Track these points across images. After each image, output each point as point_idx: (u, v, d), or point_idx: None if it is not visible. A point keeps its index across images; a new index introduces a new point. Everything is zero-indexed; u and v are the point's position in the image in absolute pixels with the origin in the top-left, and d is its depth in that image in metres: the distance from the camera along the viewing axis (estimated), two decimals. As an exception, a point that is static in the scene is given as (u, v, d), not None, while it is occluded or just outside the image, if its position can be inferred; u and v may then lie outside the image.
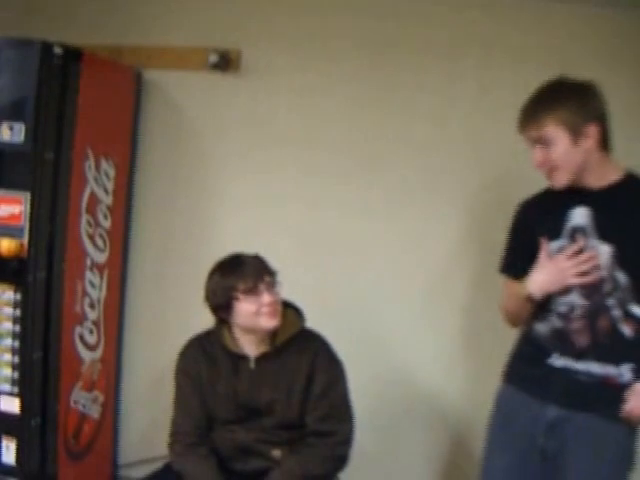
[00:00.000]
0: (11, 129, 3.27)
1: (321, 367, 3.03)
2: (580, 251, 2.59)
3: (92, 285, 3.77)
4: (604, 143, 2.60)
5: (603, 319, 2.58)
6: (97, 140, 3.68)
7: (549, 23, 3.55)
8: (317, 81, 3.87)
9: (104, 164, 3.76)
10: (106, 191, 3.80)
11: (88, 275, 3.73)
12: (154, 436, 3.74)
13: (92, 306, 3.78)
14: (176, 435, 3.08)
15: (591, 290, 2.59)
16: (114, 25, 4.08)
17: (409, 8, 3.74)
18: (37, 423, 3.48)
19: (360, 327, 3.87)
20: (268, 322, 2.94)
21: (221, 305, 2.97)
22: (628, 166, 2.63)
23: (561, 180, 2.60)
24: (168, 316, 4.11)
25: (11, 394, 3.41)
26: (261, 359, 3.02)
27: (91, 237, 3.71)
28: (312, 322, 3.13)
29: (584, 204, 2.60)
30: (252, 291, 2.92)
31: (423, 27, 3.71)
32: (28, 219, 3.32)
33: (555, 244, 2.66)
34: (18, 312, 3.37)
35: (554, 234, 2.66)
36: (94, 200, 3.70)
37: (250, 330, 2.99)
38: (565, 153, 2.55)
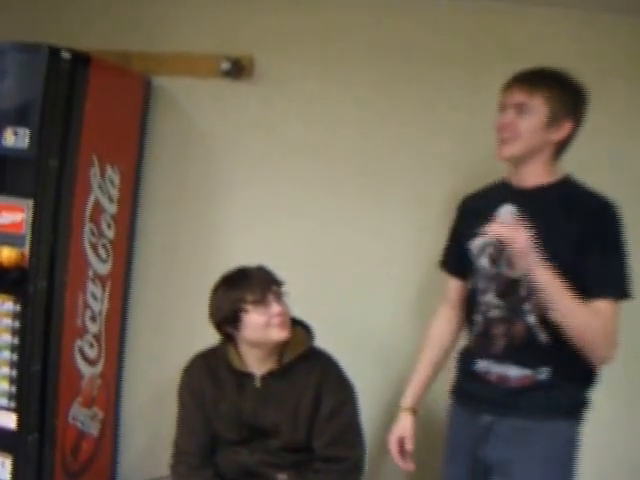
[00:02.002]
0: (15, 134, 3.21)
1: (329, 389, 2.98)
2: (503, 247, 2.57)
3: (94, 297, 3.69)
4: (562, 147, 2.67)
5: (519, 324, 2.61)
6: (103, 147, 3.62)
7: (578, 34, 3.48)
8: (331, 90, 3.81)
9: (109, 171, 3.69)
10: (111, 200, 3.72)
11: (90, 287, 3.65)
12: (155, 455, 3.70)
13: (93, 319, 3.70)
14: (179, 455, 3.04)
15: (506, 290, 2.62)
16: (123, 31, 4.02)
17: (431, 17, 3.68)
18: (34, 439, 3.40)
19: (372, 341, 3.81)
20: (279, 333, 2.91)
21: (228, 319, 2.93)
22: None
23: (511, 150, 2.64)
24: (172, 331, 4.03)
25: (8, 409, 3.34)
26: (267, 378, 2.98)
27: (94, 247, 3.63)
28: (318, 335, 3.11)
29: (512, 202, 2.65)
30: (261, 302, 2.89)
31: (444, 37, 3.64)
32: (30, 227, 3.26)
33: (480, 240, 2.68)
34: (17, 324, 3.31)
35: (479, 231, 2.61)
36: (98, 209, 3.64)
37: (259, 344, 2.94)
38: (533, 128, 2.60)
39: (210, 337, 3.05)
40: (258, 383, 2.97)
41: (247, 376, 2.98)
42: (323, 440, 2.95)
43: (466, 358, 2.80)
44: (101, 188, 3.63)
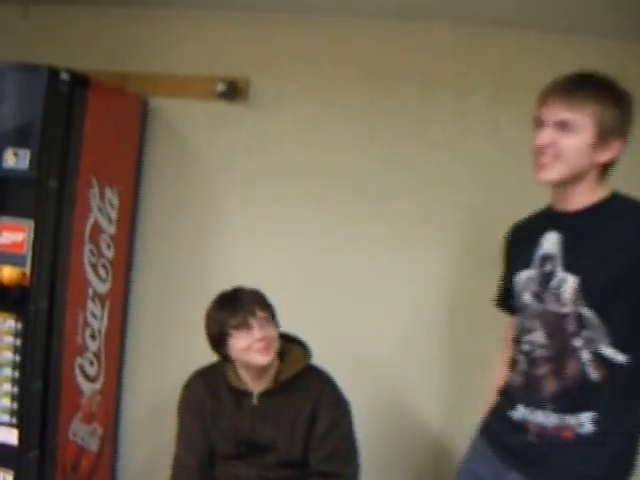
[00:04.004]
0: (16, 155, 3.22)
1: (325, 407, 3.00)
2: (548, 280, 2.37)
3: (93, 316, 3.70)
4: (609, 167, 2.37)
5: (571, 362, 2.30)
6: (102, 168, 3.64)
7: (563, 56, 3.50)
8: (326, 111, 3.85)
9: (108, 193, 3.71)
10: (110, 220, 3.75)
11: (90, 305, 3.67)
12: (154, 470, 3.73)
13: (93, 337, 3.71)
14: (178, 469, 3.06)
15: (554, 327, 2.34)
16: (120, 52, 4.05)
17: (422, 38, 3.73)
18: (35, 456, 3.41)
19: (364, 359, 3.83)
20: (260, 358, 2.92)
21: (215, 340, 2.97)
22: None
23: (551, 174, 2.32)
24: (170, 348, 4.05)
25: (10, 425, 3.34)
26: (264, 395, 3.00)
27: (94, 267, 3.65)
28: (315, 353, 3.11)
29: (556, 229, 2.38)
30: (242, 326, 2.91)
31: (435, 58, 3.69)
32: (31, 247, 3.27)
33: (524, 274, 2.46)
34: (19, 342, 3.31)
35: (525, 263, 2.45)
36: (97, 229, 3.65)
37: (246, 366, 2.97)
38: (579, 149, 2.28)
39: (209, 354, 3.05)
40: (255, 401, 2.99)
41: (245, 394, 3.00)
42: (319, 456, 2.96)
43: (504, 401, 2.51)
44: (100, 209, 3.65)
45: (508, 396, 2.50)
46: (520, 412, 2.41)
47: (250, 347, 2.90)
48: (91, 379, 3.74)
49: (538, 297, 2.39)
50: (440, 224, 3.71)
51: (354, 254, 3.83)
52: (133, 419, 4.11)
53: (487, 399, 2.65)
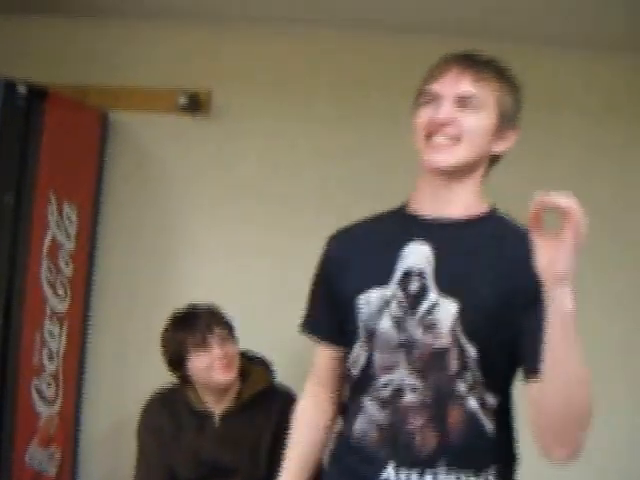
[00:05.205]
0: (-30, 170, 3.17)
1: (289, 427, 2.91)
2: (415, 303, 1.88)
3: (51, 335, 3.62)
4: (492, 165, 2.01)
5: (454, 410, 1.86)
6: (60, 183, 3.58)
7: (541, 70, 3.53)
8: (290, 126, 3.82)
9: (67, 208, 3.64)
10: (68, 236, 3.67)
11: (47, 325, 3.59)
12: (114, 495, 3.60)
13: (51, 357, 3.63)
14: None
15: (428, 364, 1.85)
16: (80, 64, 3.97)
17: (391, 52, 3.72)
18: (-11, 483, 3.34)
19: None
20: (221, 376, 2.90)
21: (174, 361, 2.96)
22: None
23: (452, 158, 1.89)
24: (131, 368, 3.96)
25: (-38, 451, 3.27)
26: (226, 416, 2.97)
27: (52, 285, 3.58)
28: (281, 373, 3.10)
29: (425, 239, 1.91)
30: (201, 345, 2.89)
31: (404, 71, 3.63)
32: (-14, 264, 3.21)
33: (376, 293, 1.91)
34: (-28, 363, 3.25)
35: (376, 280, 1.92)
36: (56, 246, 3.59)
37: (207, 386, 2.94)
38: (483, 130, 1.91)
39: (170, 376, 3.03)
40: (217, 422, 2.97)
41: (206, 415, 2.98)
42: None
43: (359, 462, 1.95)
44: (58, 225, 3.59)
45: (367, 455, 1.93)
46: (393, 475, 1.89)
47: (210, 366, 2.88)
48: (49, 401, 3.64)
49: (400, 324, 1.88)
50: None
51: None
52: (93, 441, 4.00)
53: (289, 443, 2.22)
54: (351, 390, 2.01)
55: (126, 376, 3.97)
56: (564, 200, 1.52)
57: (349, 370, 2.00)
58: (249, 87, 3.84)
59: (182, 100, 3.78)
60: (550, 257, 1.57)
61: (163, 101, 3.87)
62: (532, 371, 1.75)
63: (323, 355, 2.15)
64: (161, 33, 3.94)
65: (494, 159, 1.99)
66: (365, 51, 3.75)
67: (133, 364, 3.96)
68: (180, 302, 3.13)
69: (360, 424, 1.94)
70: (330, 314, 2.06)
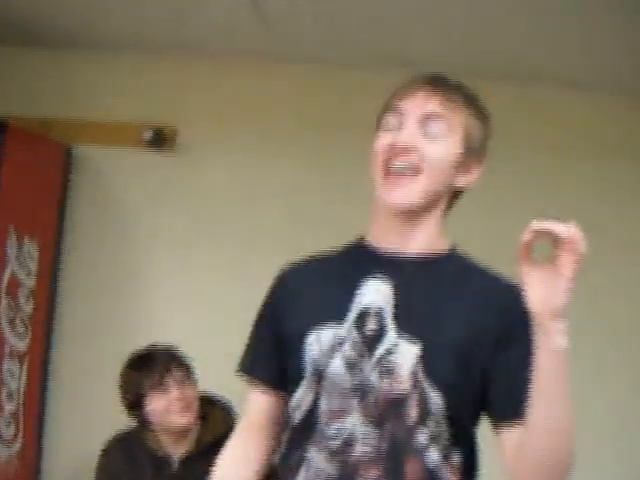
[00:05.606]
0: None
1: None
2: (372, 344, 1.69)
3: (11, 374, 3.57)
4: (454, 201, 1.83)
5: (412, 465, 1.64)
6: (21, 218, 3.55)
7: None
8: (256, 162, 3.82)
9: (28, 244, 3.60)
10: (29, 273, 3.63)
11: (6, 363, 3.54)
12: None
13: (10, 397, 3.58)
14: None
15: (384, 412, 1.65)
16: (43, 96, 3.94)
17: (356, 86, 3.70)
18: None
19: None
20: (179, 419, 2.86)
21: (131, 403, 2.91)
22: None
23: (413, 195, 1.70)
24: (93, 409, 3.87)
25: None
26: (185, 461, 2.92)
27: (11, 322, 3.54)
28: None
29: (384, 276, 1.73)
30: (159, 387, 2.84)
31: (373, 109, 3.61)
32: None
33: (328, 332, 1.71)
34: None
35: (329, 317, 1.73)
36: (15, 282, 3.55)
37: (165, 429, 2.90)
38: (445, 161, 1.72)
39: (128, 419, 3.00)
40: (176, 467, 2.92)
41: (164, 459, 2.93)
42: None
43: None
44: (19, 260, 3.55)
45: None
46: None
47: (168, 408, 2.84)
48: (8, 442, 3.58)
49: (353, 366, 1.69)
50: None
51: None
52: (54, 483, 3.96)
53: None
54: (292, 439, 1.78)
55: (89, 416, 3.88)
56: (564, 228, 1.41)
57: (289, 416, 1.77)
58: (215, 122, 3.84)
59: (147, 135, 3.77)
60: (545, 291, 1.45)
61: (128, 136, 3.86)
62: (513, 416, 1.61)
63: (259, 399, 1.89)
64: (127, 67, 3.93)
65: (456, 194, 1.81)
66: (332, 86, 3.75)
67: (96, 404, 3.85)
68: (143, 341, 3.10)
69: (304, 478, 1.70)
70: (272, 355, 1.85)
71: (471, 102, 1.78)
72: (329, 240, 3.56)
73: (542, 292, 1.45)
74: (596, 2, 2.98)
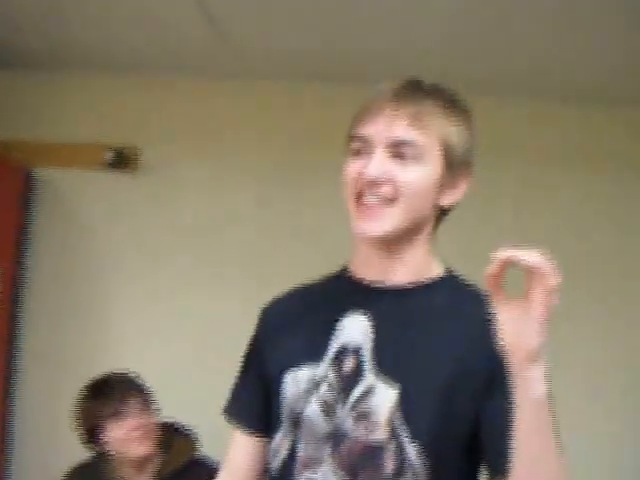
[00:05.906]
0: None
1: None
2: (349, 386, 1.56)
3: (-30, 407, 3.49)
4: (443, 216, 1.68)
5: None
6: None
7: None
8: (219, 181, 3.77)
9: (-15, 270, 3.54)
10: (-12, 300, 3.56)
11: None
12: None
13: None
14: None
15: (358, 462, 1.52)
16: (2, 118, 3.85)
17: (327, 103, 3.67)
18: None
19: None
20: (138, 448, 2.79)
21: (88, 433, 2.84)
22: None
23: (386, 225, 1.56)
24: (58, 441, 3.73)
25: None
26: None
27: (-30, 351, 3.46)
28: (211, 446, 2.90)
29: (364, 309, 1.60)
30: (116, 415, 2.78)
31: (342, 125, 3.54)
32: None
33: (305, 372, 1.60)
34: None
35: (306, 356, 1.62)
36: None
37: (124, 458, 2.82)
38: (422, 188, 1.57)
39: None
40: None
41: None
42: None
43: None
44: (-23, 287, 3.48)
45: None
46: None
47: (126, 437, 2.77)
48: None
49: (329, 411, 1.56)
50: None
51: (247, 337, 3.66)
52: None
53: None
54: None
55: (55, 449, 3.78)
56: (533, 257, 1.25)
57: (268, 463, 1.67)
58: (177, 142, 3.80)
59: (109, 156, 3.71)
60: (517, 329, 1.30)
61: (89, 157, 3.80)
62: (497, 471, 1.46)
63: (241, 444, 1.78)
64: (87, 88, 3.88)
65: (444, 212, 1.65)
66: (295, 102, 3.72)
67: (61, 436, 3.66)
68: (107, 364, 3.10)
69: None
70: (256, 398, 1.74)
71: (448, 107, 1.61)
72: (298, 254, 3.54)
73: (514, 332, 1.31)
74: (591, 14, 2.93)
